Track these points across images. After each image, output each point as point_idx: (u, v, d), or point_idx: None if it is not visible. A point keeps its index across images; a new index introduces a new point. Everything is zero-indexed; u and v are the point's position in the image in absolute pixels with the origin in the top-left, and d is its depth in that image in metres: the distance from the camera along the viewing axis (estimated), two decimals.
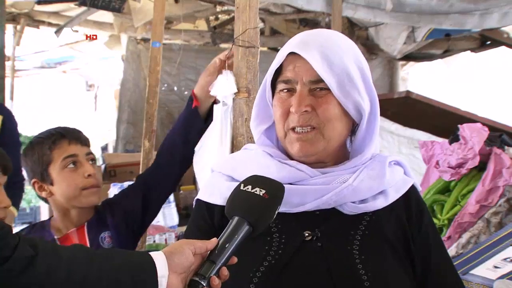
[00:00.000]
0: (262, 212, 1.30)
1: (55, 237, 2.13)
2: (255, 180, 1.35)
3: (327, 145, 1.45)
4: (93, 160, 2.19)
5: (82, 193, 2.12)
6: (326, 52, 1.43)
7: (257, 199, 1.31)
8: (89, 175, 2.12)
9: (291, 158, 1.50)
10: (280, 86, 1.48)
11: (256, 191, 1.31)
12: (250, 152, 1.58)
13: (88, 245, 2.11)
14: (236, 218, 1.29)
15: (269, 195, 1.31)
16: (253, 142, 1.61)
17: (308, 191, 1.43)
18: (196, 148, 2.21)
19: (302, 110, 1.42)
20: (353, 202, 1.44)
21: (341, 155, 1.52)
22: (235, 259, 1.27)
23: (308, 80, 1.44)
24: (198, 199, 1.56)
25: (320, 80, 1.42)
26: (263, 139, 1.56)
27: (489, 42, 6.27)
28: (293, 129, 1.46)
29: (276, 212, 1.32)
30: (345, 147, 1.54)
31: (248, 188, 1.32)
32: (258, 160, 1.50)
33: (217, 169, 1.58)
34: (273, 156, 1.51)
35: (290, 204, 1.43)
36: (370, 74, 1.50)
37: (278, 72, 1.49)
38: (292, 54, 1.46)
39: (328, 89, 1.43)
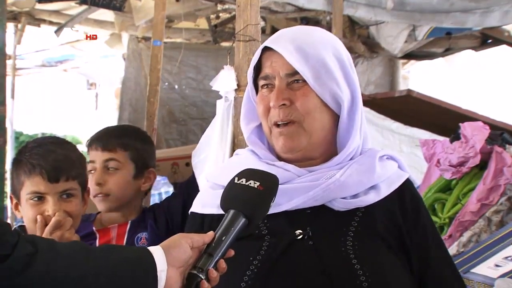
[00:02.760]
0: (257, 204, 1.30)
1: (94, 228, 2.16)
2: (249, 173, 1.34)
3: (310, 139, 1.46)
4: (112, 167, 2.14)
5: (94, 200, 2.15)
6: (300, 43, 1.43)
7: (252, 191, 1.30)
8: (97, 183, 2.12)
9: (280, 158, 1.50)
10: (261, 83, 1.50)
11: (250, 183, 1.31)
12: (240, 157, 1.59)
13: (124, 241, 2.14)
14: (231, 211, 1.28)
15: (263, 186, 1.30)
16: None
17: (295, 189, 1.43)
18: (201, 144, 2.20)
19: (280, 104, 1.43)
20: (344, 198, 1.43)
21: (330, 151, 1.51)
22: (232, 252, 1.27)
23: (285, 74, 1.45)
24: (192, 212, 1.56)
25: (296, 72, 1.43)
26: (253, 139, 1.56)
27: (490, 41, 6.25)
28: (276, 124, 1.46)
29: (272, 204, 1.31)
30: (333, 143, 1.52)
31: (242, 181, 1.32)
32: (247, 164, 1.49)
33: (210, 179, 1.59)
34: (261, 157, 1.52)
35: (279, 204, 1.41)
36: (354, 67, 1.50)
37: (260, 70, 1.51)
38: (269, 50, 1.48)
39: (305, 81, 1.43)
